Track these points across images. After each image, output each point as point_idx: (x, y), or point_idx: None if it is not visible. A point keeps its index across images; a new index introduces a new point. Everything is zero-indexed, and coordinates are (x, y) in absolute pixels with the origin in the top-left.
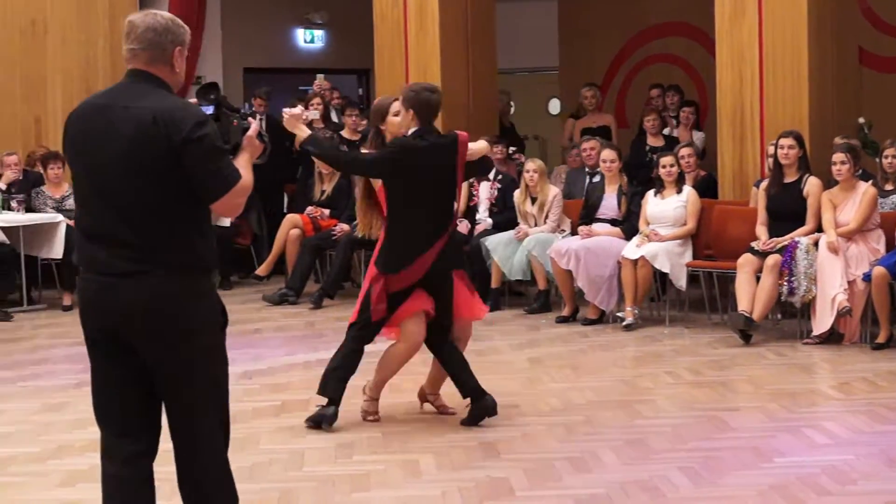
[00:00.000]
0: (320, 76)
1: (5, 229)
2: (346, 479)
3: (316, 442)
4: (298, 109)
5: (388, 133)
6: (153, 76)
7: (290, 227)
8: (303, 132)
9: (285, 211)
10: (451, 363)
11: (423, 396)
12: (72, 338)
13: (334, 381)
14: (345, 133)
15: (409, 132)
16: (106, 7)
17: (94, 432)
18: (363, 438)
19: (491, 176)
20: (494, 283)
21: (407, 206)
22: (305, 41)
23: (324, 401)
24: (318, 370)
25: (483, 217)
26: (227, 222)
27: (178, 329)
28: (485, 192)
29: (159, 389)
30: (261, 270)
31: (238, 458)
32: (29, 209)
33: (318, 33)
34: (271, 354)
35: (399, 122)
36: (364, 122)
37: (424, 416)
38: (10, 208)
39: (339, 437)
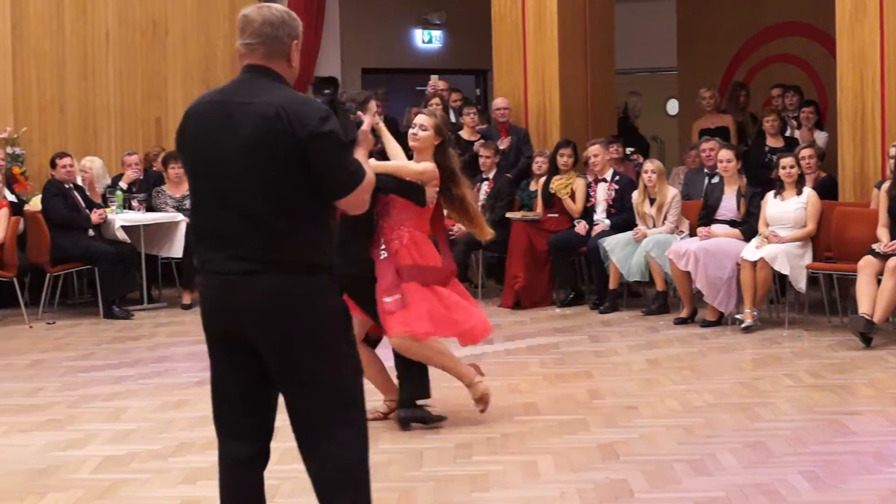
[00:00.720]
0: (434, 76)
1: (126, 228)
2: (464, 480)
3: (434, 442)
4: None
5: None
6: (271, 71)
7: None
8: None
9: None
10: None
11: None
12: (192, 336)
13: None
14: (463, 133)
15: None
16: (225, 8)
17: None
18: (482, 439)
19: (608, 177)
20: (612, 285)
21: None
22: (423, 41)
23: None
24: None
25: (601, 218)
26: None
27: (300, 328)
28: (602, 193)
29: (280, 390)
30: None
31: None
32: (149, 208)
33: (437, 34)
34: (389, 356)
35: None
36: (483, 123)
37: (542, 418)
38: (130, 207)
39: (458, 437)
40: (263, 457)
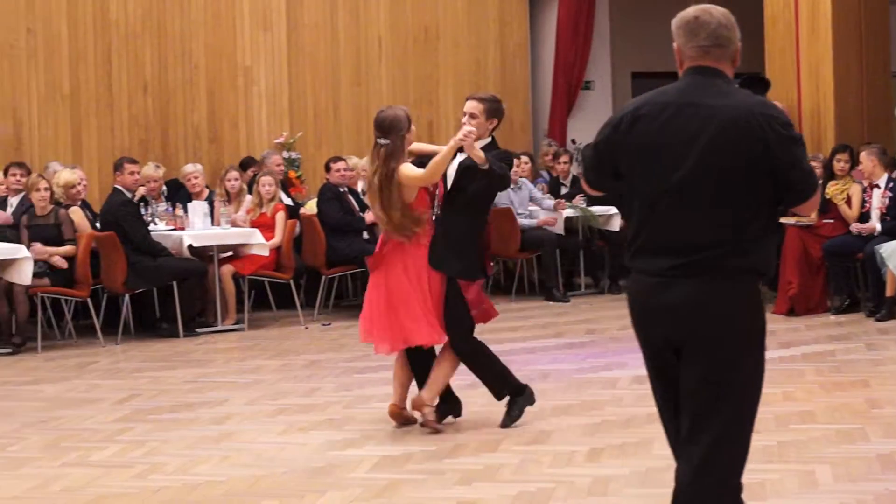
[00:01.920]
0: None
1: None
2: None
3: None
4: (472, 126)
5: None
6: (722, 73)
7: None
8: (480, 153)
9: None
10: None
11: (398, 413)
12: None
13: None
14: None
15: (485, 141)
16: (495, 12)
17: (489, 433)
18: (758, 447)
19: (881, 183)
20: (889, 292)
21: (483, 212)
22: None
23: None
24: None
25: (874, 224)
26: (616, 226)
27: (734, 337)
28: (877, 200)
29: (695, 398)
30: None
31: (632, 463)
32: None
33: None
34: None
35: (476, 127)
36: None
37: (819, 427)
38: None
39: None
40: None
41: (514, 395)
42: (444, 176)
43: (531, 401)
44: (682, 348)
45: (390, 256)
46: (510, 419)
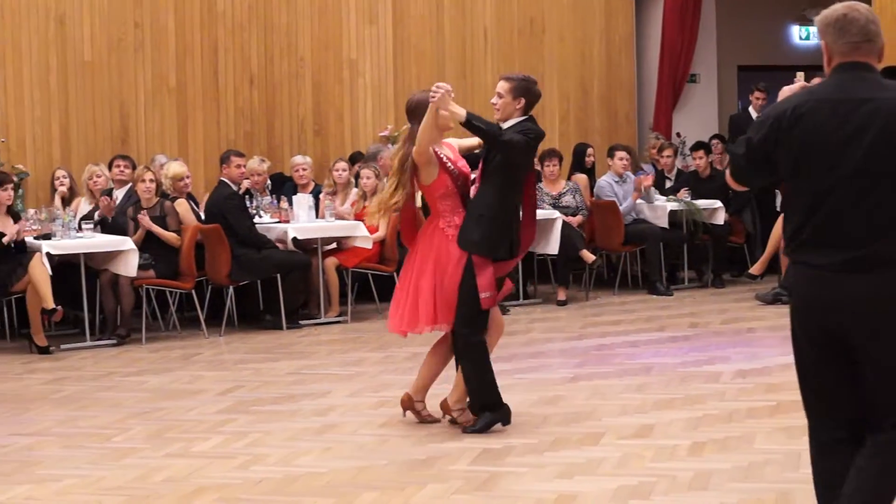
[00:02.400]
0: (800, 74)
1: None
2: None
3: None
4: (448, 85)
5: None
6: (873, 67)
7: None
8: (458, 109)
9: (778, 210)
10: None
11: (409, 404)
12: (566, 332)
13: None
14: None
15: (515, 120)
16: (601, 6)
17: (591, 426)
18: None
19: None
20: None
21: (515, 190)
22: (801, 38)
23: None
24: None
25: None
26: (720, 220)
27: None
28: None
29: (880, 388)
30: (754, 269)
31: (734, 458)
32: None
33: (814, 29)
34: (766, 354)
35: (502, 107)
36: None
37: None
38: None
39: None
40: (852, 441)
41: (488, 408)
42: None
43: (506, 420)
44: (855, 341)
45: (421, 240)
46: (472, 429)
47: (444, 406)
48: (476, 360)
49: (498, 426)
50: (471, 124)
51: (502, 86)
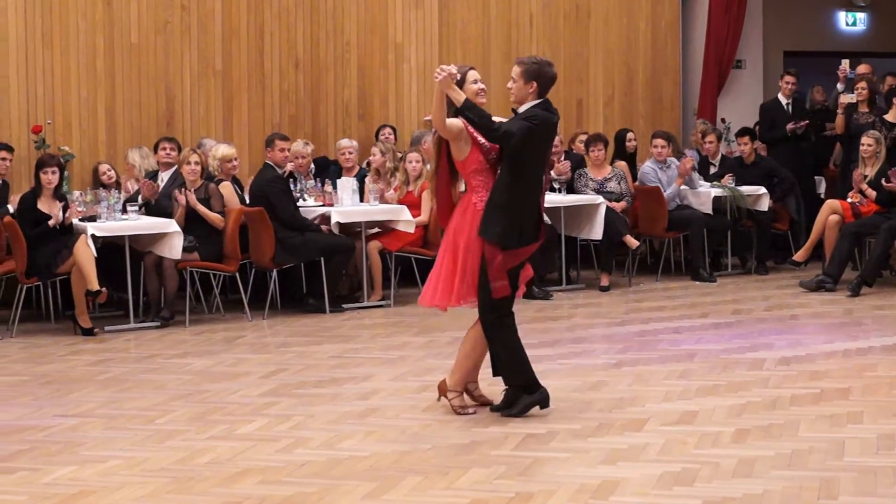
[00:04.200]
0: (845, 61)
1: (547, 210)
2: (889, 472)
3: (857, 432)
4: (454, 68)
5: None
6: None
7: (829, 212)
8: (459, 95)
9: (822, 196)
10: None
11: (445, 389)
12: (609, 317)
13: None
14: (888, 117)
15: (529, 104)
16: None
17: (634, 412)
18: None
19: None
20: None
21: (526, 178)
22: (847, 24)
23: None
24: (858, 359)
25: None
26: (764, 206)
27: None
28: None
29: None
30: (798, 256)
31: (777, 445)
32: (570, 190)
33: (861, 16)
34: (809, 341)
35: (515, 91)
36: None
37: None
38: (552, 189)
39: (881, 427)
40: None
41: (526, 390)
42: None
43: (544, 403)
44: None
45: (455, 216)
46: (509, 411)
47: (442, 387)
48: (505, 341)
49: (537, 409)
50: (464, 115)
51: (515, 70)
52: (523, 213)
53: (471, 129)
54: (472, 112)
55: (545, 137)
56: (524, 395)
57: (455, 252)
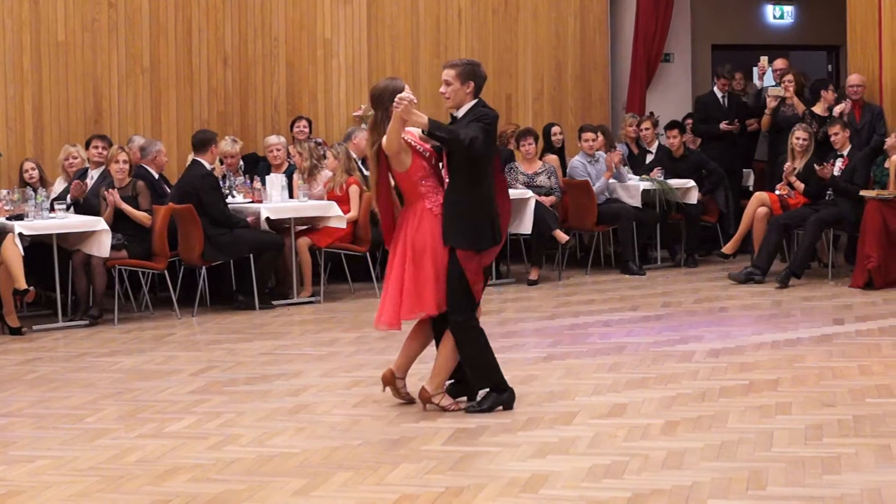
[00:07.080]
0: (764, 58)
1: None
2: (815, 462)
3: (786, 423)
4: (410, 94)
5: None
6: None
7: (758, 205)
8: (420, 118)
9: (751, 189)
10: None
11: (390, 380)
12: (539, 312)
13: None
14: (817, 109)
15: (468, 105)
16: None
17: (564, 406)
18: (832, 421)
19: None
20: None
21: (488, 177)
22: (775, 17)
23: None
24: (787, 350)
25: None
26: (693, 199)
27: None
28: None
29: None
30: (727, 248)
31: (707, 437)
32: None
33: (788, 9)
34: (739, 333)
35: (452, 94)
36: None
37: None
38: None
39: (808, 419)
40: None
41: (494, 389)
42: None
43: (509, 404)
44: None
45: (397, 230)
46: (477, 407)
47: (423, 395)
48: (476, 343)
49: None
50: (433, 135)
51: (448, 73)
52: (492, 211)
53: (406, 138)
54: (440, 132)
55: (495, 135)
56: (493, 393)
57: (420, 259)
